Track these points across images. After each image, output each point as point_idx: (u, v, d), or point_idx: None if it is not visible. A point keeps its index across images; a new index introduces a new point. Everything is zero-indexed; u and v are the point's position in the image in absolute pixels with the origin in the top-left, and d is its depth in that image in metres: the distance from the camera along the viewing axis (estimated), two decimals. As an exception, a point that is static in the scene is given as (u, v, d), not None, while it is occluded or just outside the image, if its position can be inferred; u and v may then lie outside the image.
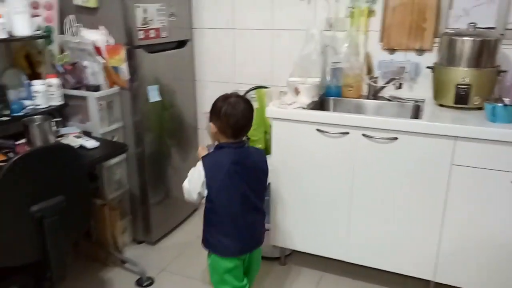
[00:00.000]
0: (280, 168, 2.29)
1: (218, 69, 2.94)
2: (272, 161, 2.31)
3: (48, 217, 1.82)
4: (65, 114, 2.57)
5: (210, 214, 1.97)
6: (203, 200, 1.96)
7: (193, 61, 3.03)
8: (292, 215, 2.34)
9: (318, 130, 2.13)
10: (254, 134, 2.71)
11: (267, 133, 2.67)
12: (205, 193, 1.92)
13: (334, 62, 2.46)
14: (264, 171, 2.01)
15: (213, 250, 1.99)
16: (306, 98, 2.28)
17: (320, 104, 2.45)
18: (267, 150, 2.69)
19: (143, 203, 2.74)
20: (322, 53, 2.42)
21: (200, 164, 1.94)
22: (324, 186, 2.22)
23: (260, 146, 2.72)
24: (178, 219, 2.99)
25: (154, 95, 2.60)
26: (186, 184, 1.97)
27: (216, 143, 1.97)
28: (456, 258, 2.09)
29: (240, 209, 1.94)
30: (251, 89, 2.76)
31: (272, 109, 2.23)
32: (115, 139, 2.58)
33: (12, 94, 2.35)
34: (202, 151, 2.04)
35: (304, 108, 2.21)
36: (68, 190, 1.90)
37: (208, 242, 2.01)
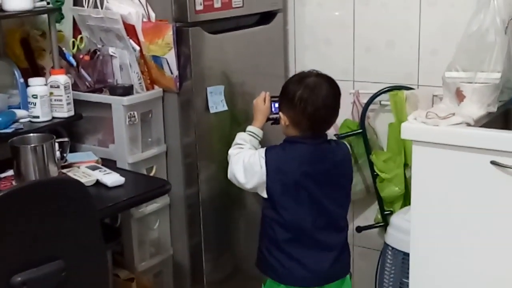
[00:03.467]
0: (425, 234, 2.16)
1: (327, 59, 2.88)
2: (411, 217, 2.20)
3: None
4: (76, 132, 2.62)
5: (270, 225, 2.22)
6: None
7: (286, 45, 2.98)
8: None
9: (493, 163, 2.02)
10: (386, 168, 2.55)
11: (408, 166, 2.53)
12: (264, 194, 2.20)
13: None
14: (347, 175, 2.29)
15: (271, 273, 2.24)
16: (474, 107, 2.18)
17: (500, 119, 2.31)
18: (408, 198, 2.48)
19: (195, 279, 2.68)
20: (506, 30, 2.26)
21: (262, 156, 2.18)
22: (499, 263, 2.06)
23: (397, 189, 2.56)
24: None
25: (217, 101, 2.58)
26: (240, 172, 2.22)
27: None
28: None
29: (313, 224, 2.19)
30: (382, 91, 2.61)
31: (410, 126, 2.14)
32: (152, 173, 2.58)
33: (-3, 99, 2.37)
34: (261, 105, 2.33)
35: (469, 125, 2.10)
36: (71, 252, 1.84)
37: (264, 262, 2.27)
